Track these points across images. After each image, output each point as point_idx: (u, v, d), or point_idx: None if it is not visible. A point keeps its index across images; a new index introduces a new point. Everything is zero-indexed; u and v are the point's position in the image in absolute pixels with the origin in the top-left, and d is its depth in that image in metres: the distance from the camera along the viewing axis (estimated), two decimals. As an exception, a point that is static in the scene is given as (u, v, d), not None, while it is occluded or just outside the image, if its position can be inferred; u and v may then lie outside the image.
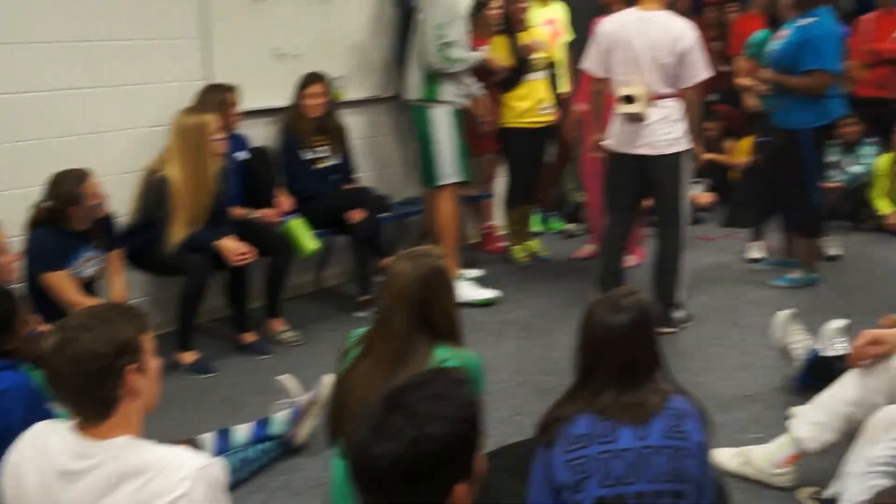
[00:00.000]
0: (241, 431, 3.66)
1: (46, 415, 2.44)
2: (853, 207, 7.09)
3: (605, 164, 5.24)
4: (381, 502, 1.70)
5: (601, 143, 5.19)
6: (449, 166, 5.71)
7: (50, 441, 2.14)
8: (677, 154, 4.95)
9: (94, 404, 2.07)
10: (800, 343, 4.18)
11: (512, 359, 4.81)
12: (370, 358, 2.77)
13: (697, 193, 7.34)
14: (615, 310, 2.43)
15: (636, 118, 4.87)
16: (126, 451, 2.07)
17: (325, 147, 5.54)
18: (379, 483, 1.67)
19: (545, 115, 6.25)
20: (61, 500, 2.08)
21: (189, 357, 4.71)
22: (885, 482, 2.78)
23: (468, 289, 5.59)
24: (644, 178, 5.03)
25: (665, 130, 4.91)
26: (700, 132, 5.21)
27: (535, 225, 7.03)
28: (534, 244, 6.68)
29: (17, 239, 4.21)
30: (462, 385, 1.81)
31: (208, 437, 3.52)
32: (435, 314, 2.76)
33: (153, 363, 2.17)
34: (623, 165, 5.05)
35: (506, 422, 3.99)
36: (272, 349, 4.97)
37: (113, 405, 2.08)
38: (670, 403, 2.44)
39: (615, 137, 5.06)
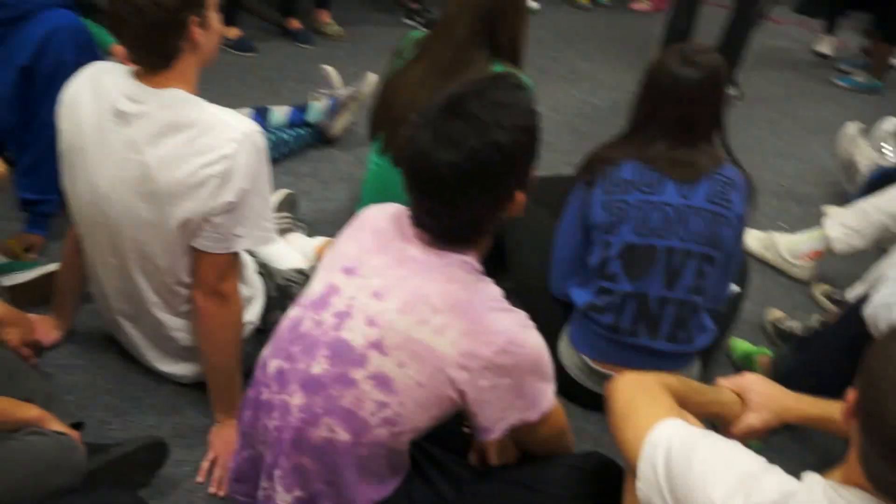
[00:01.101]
0: (279, 112, 3.66)
1: (97, 59, 2.41)
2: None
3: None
4: (438, 207, 1.71)
5: None
6: None
7: (108, 80, 2.15)
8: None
9: (154, 54, 2.07)
10: (866, 159, 4.02)
11: (552, 97, 4.70)
12: (424, 62, 2.71)
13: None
14: (686, 62, 2.36)
15: None
16: (180, 103, 2.09)
17: None
18: (439, 188, 1.67)
19: None
20: (112, 138, 2.12)
21: (232, 32, 4.61)
22: None
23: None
24: None
25: None
26: None
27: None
28: None
29: None
30: (522, 92, 1.78)
31: (246, 113, 3.51)
32: (500, 30, 2.68)
33: (215, 17, 2.14)
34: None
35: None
36: (316, 40, 4.88)
37: (173, 56, 2.08)
38: (721, 170, 2.43)
39: None
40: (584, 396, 2.58)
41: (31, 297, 2.59)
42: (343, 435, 1.72)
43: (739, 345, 2.97)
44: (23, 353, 2.19)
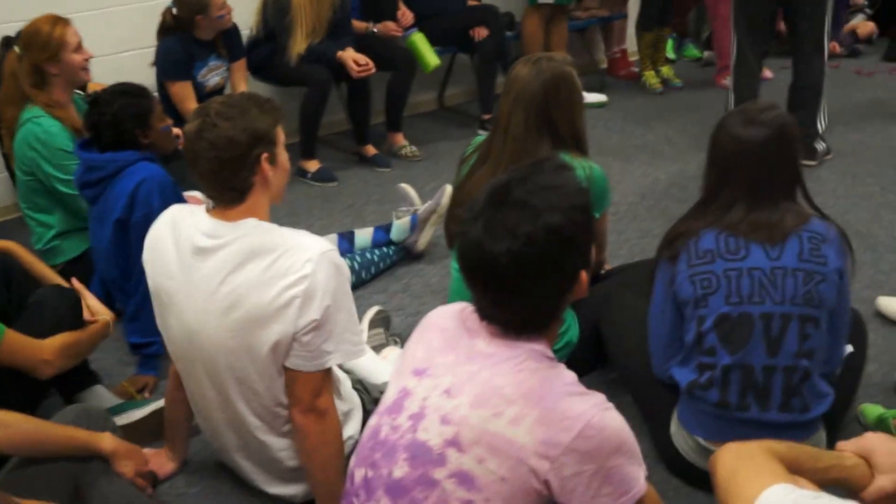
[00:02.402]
0: (364, 235, 3.80)
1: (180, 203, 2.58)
2: None
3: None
4: (500, 298, 1.71)
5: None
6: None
7: (186, 221, 2.28)
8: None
9: (228, 189, 2.19)
10: None
11: (639, 182, 4.72)
12: (489, 163, 2.74)
13: (857, 22, 6.88)
14: (749, 122, 2.33)
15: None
16: (255, 231, 2.20)
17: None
18: (498, 278, 1.67)
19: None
20: (195, 274, 2.23)
21: (312, 165, 4.85)
22: None
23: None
24: None
25: None
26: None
27: (669, 51, 6.70)
28: (667, 70, 6.37)
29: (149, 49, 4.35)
30: (567, 171, 1.77)
31: (332, 239, 3.64)
32: (558, 120, 2.68)
33: (284, 155, 2.27)
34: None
35: (631, 243, 4.00)
36: (393, 163, 5.05)
37: (245, 192, 2.20)
38: (808, 226, 2.35)
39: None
40: (702, 479, 2.46)
41: (146, 433, 2.72)
42: None
43: (871, 409, 2.79)
44: (138, 484, 2.29)
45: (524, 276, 1.66)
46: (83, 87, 3.92)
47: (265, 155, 2.18)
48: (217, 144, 2.12)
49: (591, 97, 5.69)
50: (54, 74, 3.43)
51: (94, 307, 2.71)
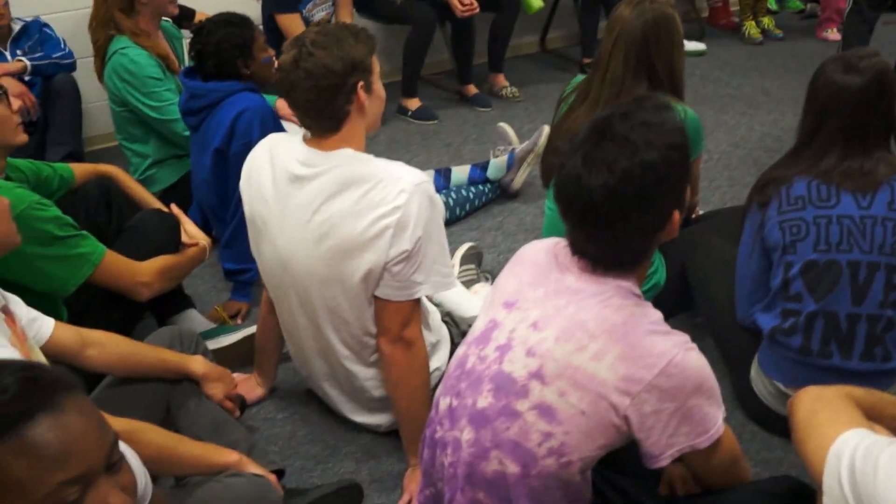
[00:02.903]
0: (461, 172, 3.78)
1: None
2: None
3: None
4: (594, 232, 1.69)
5: None
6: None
7: (282, 150, 2.30)
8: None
9: (324, 118, 2.19)
10: None
11: (733, 131, 4.65)
12: (587, 103, 2.72)
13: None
14: (849, 69, 2.29)
15: None
16: (350, 161, 2.20)
17: None
18: (594, 212, 1.65)
19: None
20: (290, 202, 2.25)
21: (413, 103, 4.84)
22: None
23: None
24: None
25: None
26: None
27: (771, 2, 6.53)
28: (768, 21, 6.20)
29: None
30: (668, 111, 1.75)
31: (430, 175, 3.63)
32: (657, 62, 2.65)
33: (379, 84, 2.25)
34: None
35: (722, 190, 3.95)
36: (493, 103, 5.01)
37: (341, 120, 2.20)
38: None
39: None
40: (779, 424, 2.48)
41: (236, 358, 2.77)
42: (512, 467, 1.72)
43: None
44: (226, 407, 2.33)
45: (618, 211, 1.64)
46: (192, 17, 3.97)
47: (361, 83, 2.18)
48: (313, 73, 2.11)
49: (690, 45, 5.49)
50: (143, 4, 3.48)
51: (192, 232, 2.74)
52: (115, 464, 1.26)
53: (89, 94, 4.18)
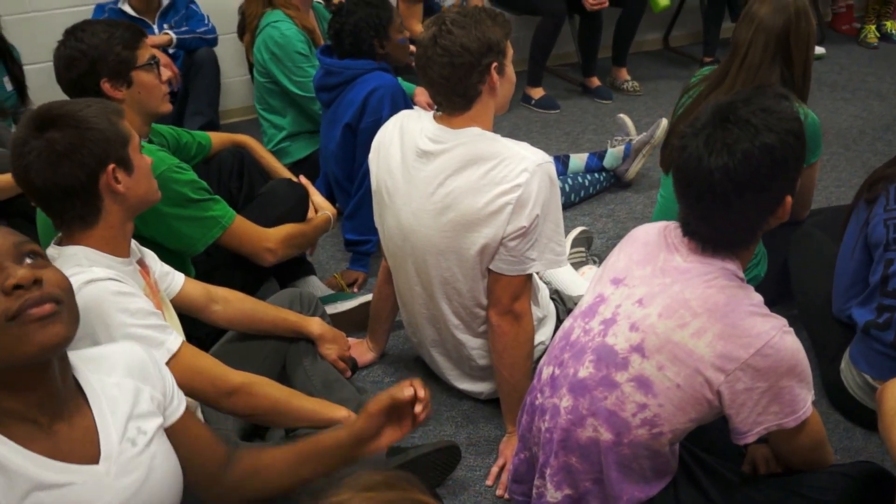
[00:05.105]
0: (578, 159, 3.86)
1: (409, 111, 2.70)
2: None
3: None
4: (709, 212, 1.75)
5: None
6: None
7: (413, 125, 2.40)
8: None
9: (456, 95, 2.27)
10: None
11: (844, 135, 4.58)
12: (721, 88, 2.73)
13: None
14: None
15: None
16: (477, 138, 2.28)
17: None
18: (711, 192, 1.71)
19: None
20: (417, 175, 2.35)
21: (537, 93, 4.93)
22: None
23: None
24: None
25: None
26: None
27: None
28: (891, 25, 6.01)
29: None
30: (787, 100, 1.80)
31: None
32: (794, 52, 2.68)
33: (511, 67, 2.33)
34: None
35: (828, 191, 3.93)
36: (614, 96, 5.07)
37: (473, 99, 2.28)
38: None
39: None
40: (864, 416, 2.50)
41: (351, 323, 2.90)
42: (606, 435, 1.80)
43: None
44: (339, 367, 2.46)
45: (735, 192, 1.70)
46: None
47: (494, 64, 2.25)
48: (451, 51, 2.20)
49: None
50: None
51: (319, 203, 2.87)
52: (29, 255, 1.34)
53: (228, 69, 4.37)
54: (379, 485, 0.99)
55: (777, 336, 1.70)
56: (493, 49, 2.24)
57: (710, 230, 1.78)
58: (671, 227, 1.88)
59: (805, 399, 1.76)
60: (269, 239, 2.60)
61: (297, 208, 2.81)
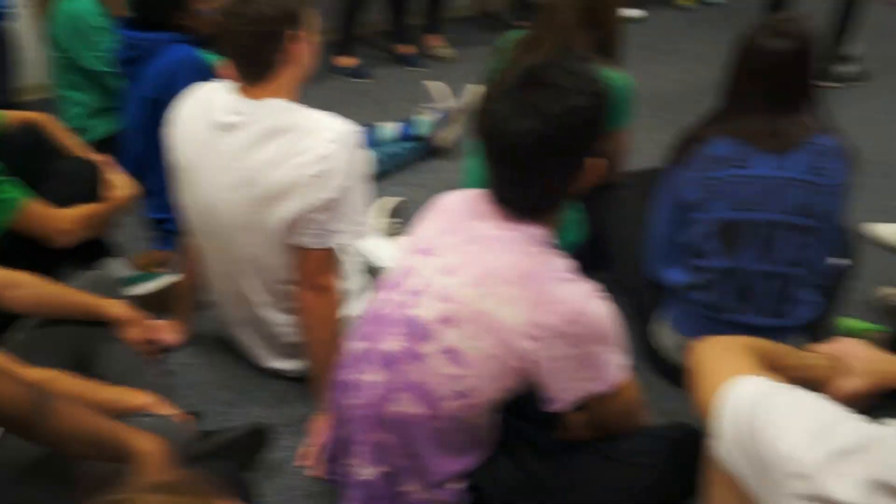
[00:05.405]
0: (388, 128, 3.84)
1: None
2: None
3: None
4: (516, 176, 1.73)
5: None
6: None
7: (212, 97, 2.32)
8: None
9: (257, 65, 2.22)
10: None
11: (662, 95, 4.71)
12: (534, 52, 2.70)
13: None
14: (776, 34, 2.32)
15: None
16: (279, 109, 2.23)
17: None
18: (519, 156, 1.69)
19: None
20: (217, 149, 2.28)
21: (348, 62, 4.87)
22: None
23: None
24: None
25: None
26: None
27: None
28: None
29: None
30: (590, 62, 1.82)
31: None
32: (602, 15, 2.71)
33: (314, 37, 2.29)
34: None
35: (650, 153, 3.98)
36: (427, 63, 5.06)
37: (273, 67, 2.22)
38: (815, 139, 2.35)
39: None
40: (681, 376, 2.56)
41: (157, 305, 2.80)
42: (418, 409, 1.78)
43: (847, 322, 2.87)
44: (144, 351, 2.37)
45: (543, 155, 1.68)
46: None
47: (294, 33, 2.21)
48: (248, 19, 2.14)
49: (629, 12, 5.63)
50: None
51: (115, 180, 2.76)
52: None
53: (22, 43, 4.12)
54: (164, 486, 0.94)
55: (586, 301, 1.70)
56: (292, 17, 2.19)
57: (518, 196, 1.76)
58: (478, 196, 1.85)
59: (616, 364, 1.77)
60: (64, 220, 2.48)
61: (90, 187, 2.68)
